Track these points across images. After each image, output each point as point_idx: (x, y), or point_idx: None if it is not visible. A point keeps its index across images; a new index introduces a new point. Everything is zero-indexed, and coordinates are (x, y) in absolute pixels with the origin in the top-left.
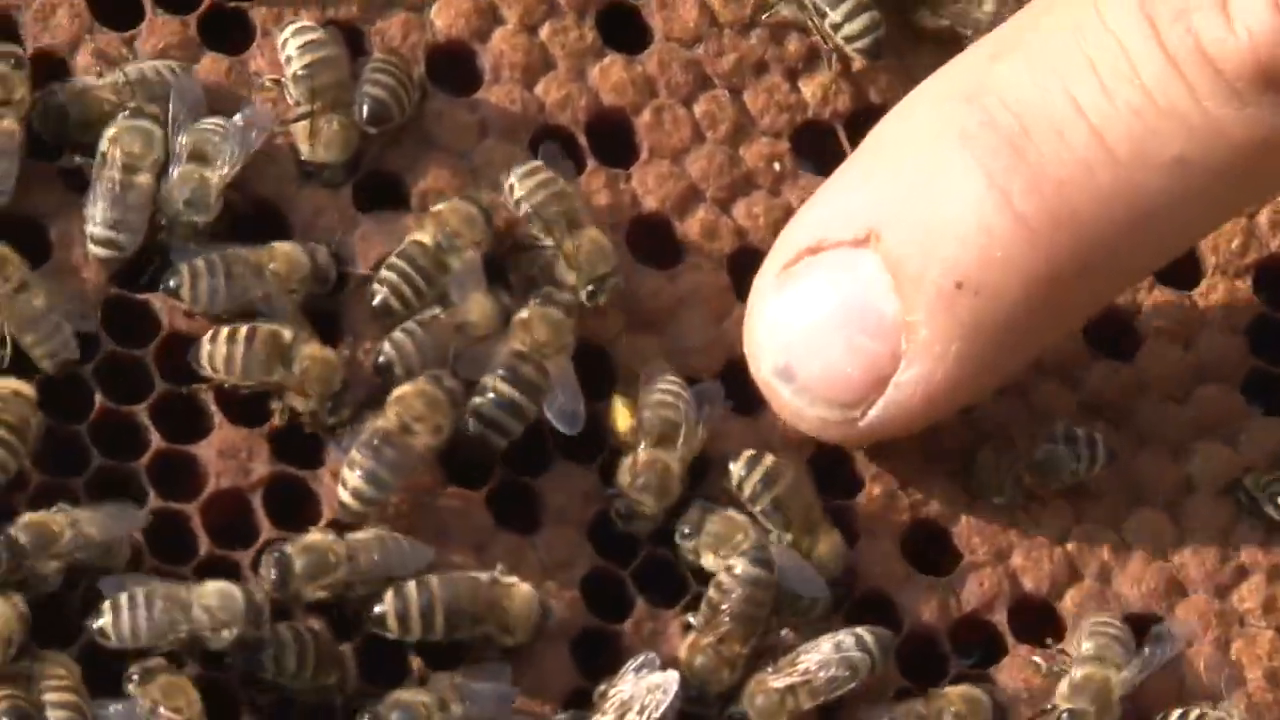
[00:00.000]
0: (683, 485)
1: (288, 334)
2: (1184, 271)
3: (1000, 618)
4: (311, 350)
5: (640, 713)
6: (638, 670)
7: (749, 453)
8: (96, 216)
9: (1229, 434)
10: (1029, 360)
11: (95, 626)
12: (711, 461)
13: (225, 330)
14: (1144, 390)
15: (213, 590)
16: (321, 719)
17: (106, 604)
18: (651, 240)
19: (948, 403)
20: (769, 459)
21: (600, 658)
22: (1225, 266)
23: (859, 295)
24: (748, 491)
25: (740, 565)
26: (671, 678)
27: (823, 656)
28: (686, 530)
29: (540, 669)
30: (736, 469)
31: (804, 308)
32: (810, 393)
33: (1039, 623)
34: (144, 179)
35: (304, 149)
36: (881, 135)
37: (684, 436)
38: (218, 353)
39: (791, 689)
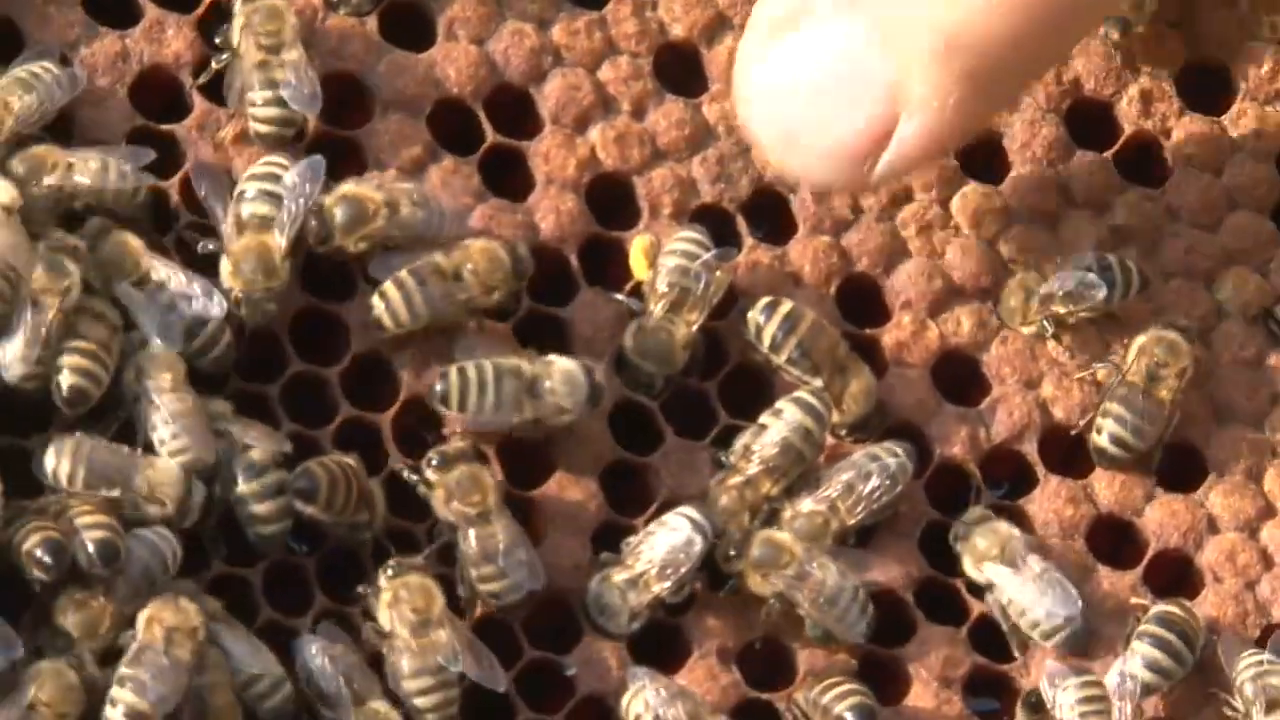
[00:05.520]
0: (689, 350)
1: None
2: (1213, 98)
3: (1030, 448)
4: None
5: (661, 573)
6: (667, 529)
7: (765, 299)
8: None
9: (1260, 262)
10: (1020, 94)
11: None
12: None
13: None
14: (1174, 218)
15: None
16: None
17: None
18: (679, 68)
19: (947, 147)
20: (786, 304)
21: (631, 489)
22: (1255, 92)
23: (851, 59)
24: (768, 340)
25: (788, 410)
26: (696, 541)
27: (859, 469)
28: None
29: (569, 503)
30: (754, 316)
31: (798, 73)
32: (815, 156)
33: (1069, 453)
34: None
35: None
36: None
37: (691, 304)
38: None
39: (833, 506)
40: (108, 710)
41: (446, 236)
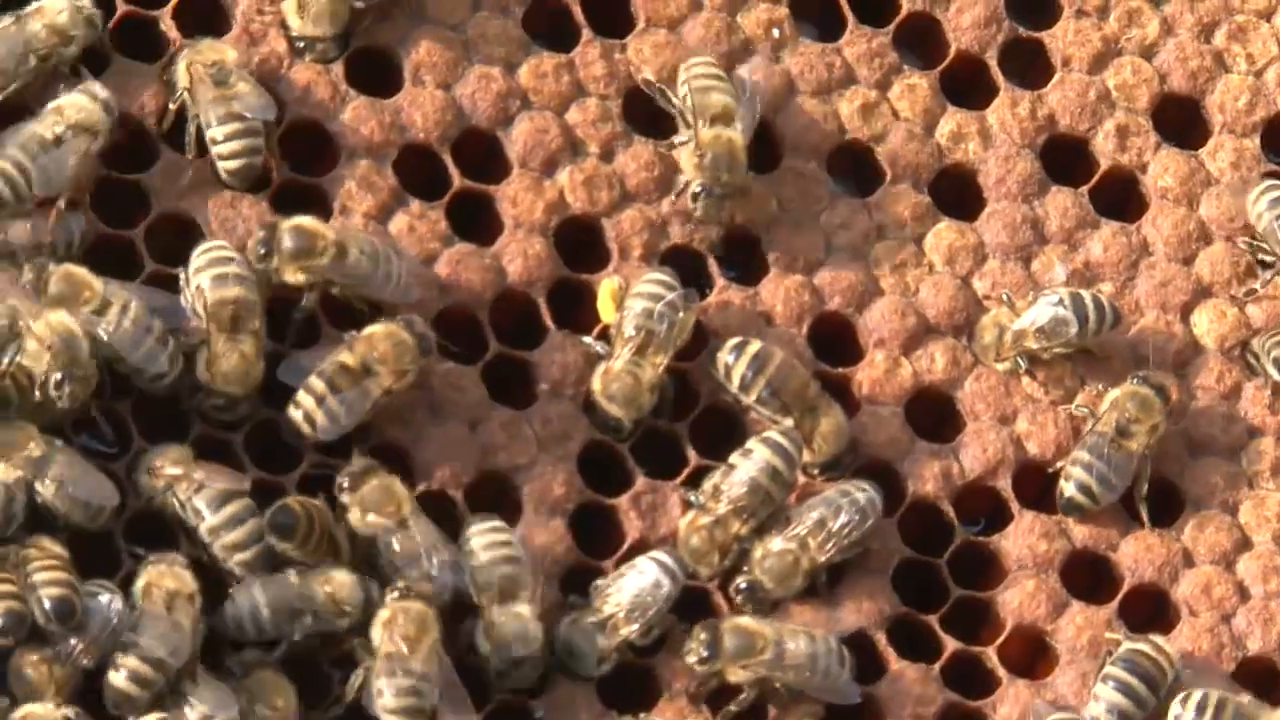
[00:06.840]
0: (655, 393)
1: None
2: (1191, 131)
3: (1004, 484)
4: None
5: (629, 616)
6: (635, 572)
7: (734, 340)
8: None
9: (1237, 295)
10: None
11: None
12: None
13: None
14: (1150, 251)
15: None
16: None
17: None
18: (648, 111)
19: None
20: (755, 344)
21: (601, 531)
22: (1232, 125)
23: None
24: (737, 380)
25: (757, 450)
26: (664, 583)
27: (830, 505)
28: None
29: (538, 545)
30: (723, 356)
31: None
32: None
33: (1044, 488)
34: None
35: (294, 23)
36: None
37: (656, 346)
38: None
39: (803, 544)
40: (110, 673)
41: (391, 301)
